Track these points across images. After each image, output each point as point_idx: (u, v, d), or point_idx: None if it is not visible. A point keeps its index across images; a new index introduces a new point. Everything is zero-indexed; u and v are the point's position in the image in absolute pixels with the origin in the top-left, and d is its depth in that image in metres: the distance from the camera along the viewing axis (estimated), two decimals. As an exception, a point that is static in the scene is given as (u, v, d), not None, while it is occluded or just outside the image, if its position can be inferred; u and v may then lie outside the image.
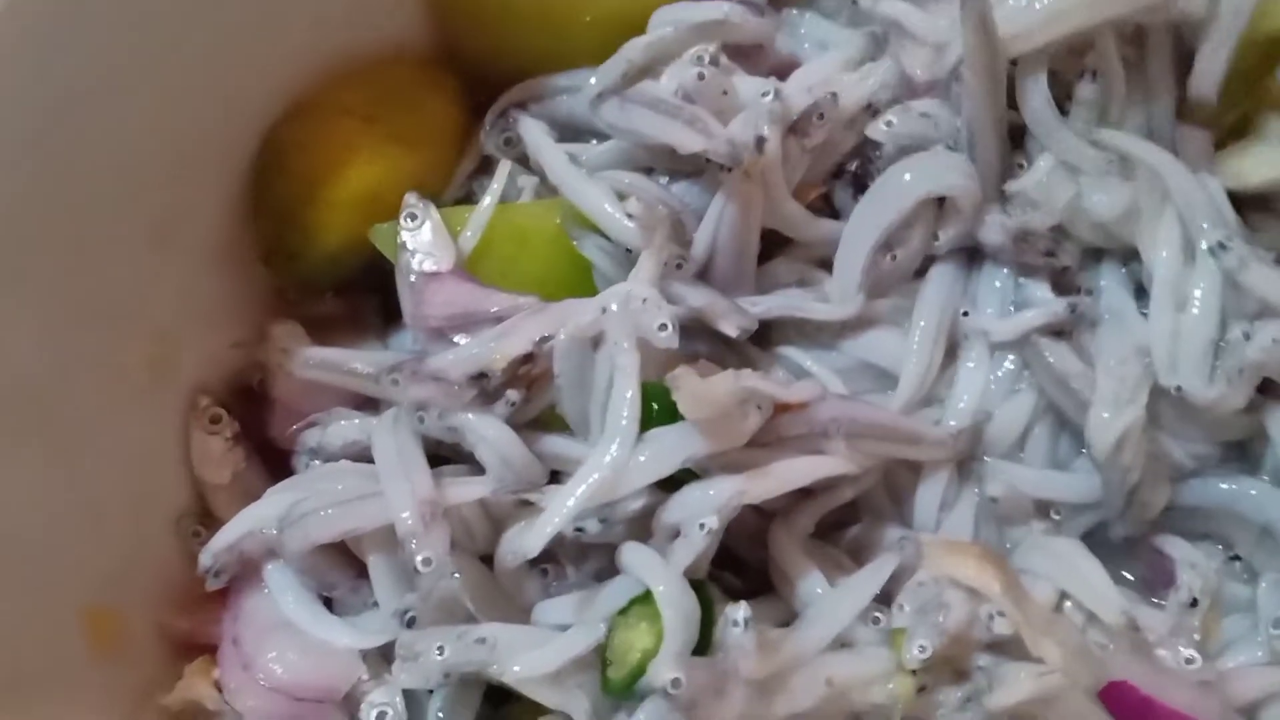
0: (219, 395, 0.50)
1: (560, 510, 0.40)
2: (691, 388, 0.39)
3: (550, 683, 0.41)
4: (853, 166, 0.49)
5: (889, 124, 0.47)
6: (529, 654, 0.41)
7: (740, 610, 0.40)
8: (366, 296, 0.52)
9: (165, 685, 0.45)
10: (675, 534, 0.42)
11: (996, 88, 0.46)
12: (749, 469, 0.42)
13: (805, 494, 0.45)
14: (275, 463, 0.50)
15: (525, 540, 0.42)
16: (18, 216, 0.41)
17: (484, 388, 0.43)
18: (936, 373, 0.47)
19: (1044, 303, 0.47)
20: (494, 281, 0.47)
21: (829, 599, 0.43)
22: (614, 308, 0.42)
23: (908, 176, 0.46)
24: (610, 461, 0.40)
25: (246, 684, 0.43)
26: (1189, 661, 0.43)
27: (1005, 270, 0.48)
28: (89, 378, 0.45)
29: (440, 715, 0.43)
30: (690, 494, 0.41)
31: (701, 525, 0.40)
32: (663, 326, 0.41)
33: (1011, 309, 0.48)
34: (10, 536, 0.42)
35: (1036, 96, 0.46)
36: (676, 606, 0.40)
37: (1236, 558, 0.47)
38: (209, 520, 0.48)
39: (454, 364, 0.43)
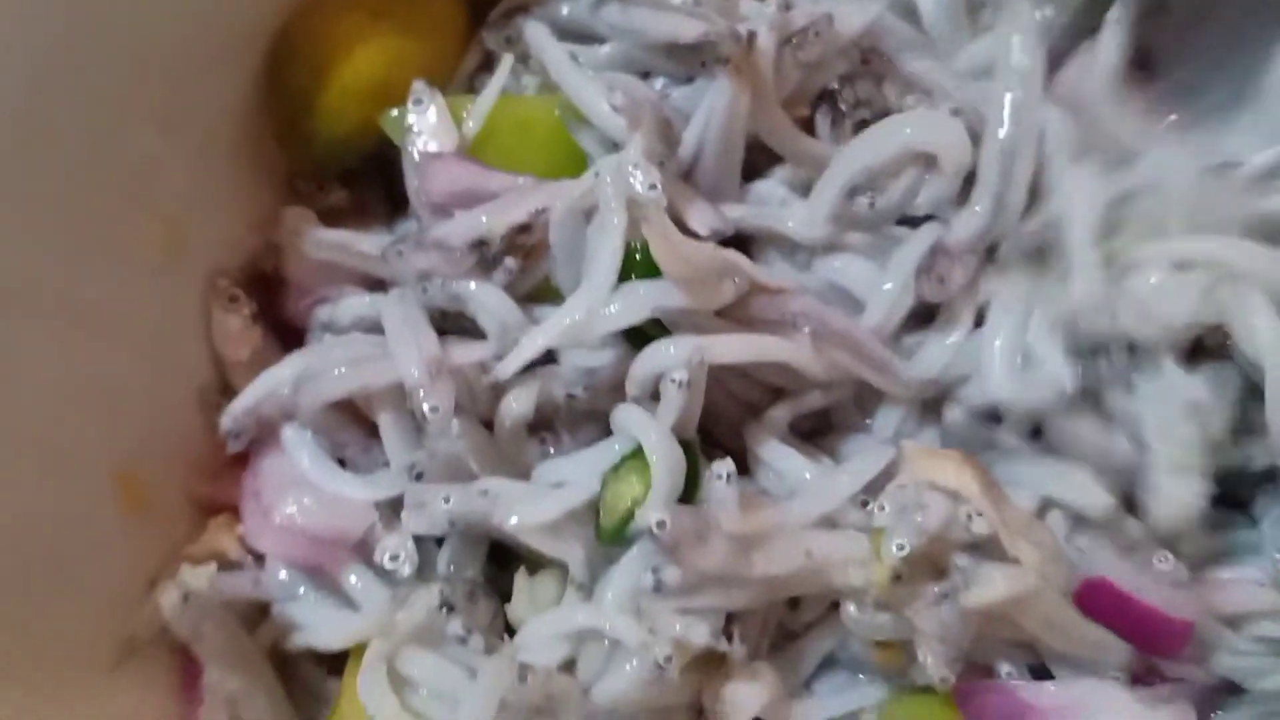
0: (236, 278, 0.52)
1: (533, 343, 0.43)
2: (666, 232, 0.42)
3: (547, 533, 0.44)
4: (836, 87, 0.49)
5: None
6: (527, 505, 0.44)
7: (725, 465, 0.43)
8: (373, 188, 0.55)
9: (192, 542, 0.49)
10: (655, 396, 0.44)
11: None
12: (715, 334, 0.44)
13: (779, 394, 0.48)
14: (291, 344, 0.52)
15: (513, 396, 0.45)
16: (32, 103, 0.43)
17: (483, 255, 0.46)
18: (904, 314, 0.47)
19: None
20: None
21: (820, 480, 0.46)
22: (605, 173, 0.45)
23: (908, 130, 0.47)
24: (585, 304, 0.43)
25: (266, 528, 0.46)
26: (1163, 561, 0.44)
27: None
28: (106, 260, 0.47)
29: (451, 566, 0.46)
30: (656, 348, 0.44)
31: (674, 380, 0.43)
32: (651, 186, 0.43)
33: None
34: (42, 411, 0.44)
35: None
36: (663, 455, 0.43)
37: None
38: (230, 394, 0.51)
39: (455, 232, 0.46)
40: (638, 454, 0.44)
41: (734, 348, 0.45)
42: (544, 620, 0.44)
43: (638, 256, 0.44)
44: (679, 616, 0.41)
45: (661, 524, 0.41)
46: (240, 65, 0.52)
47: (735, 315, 0.46)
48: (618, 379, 0.45)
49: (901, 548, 0.42)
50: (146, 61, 0.47)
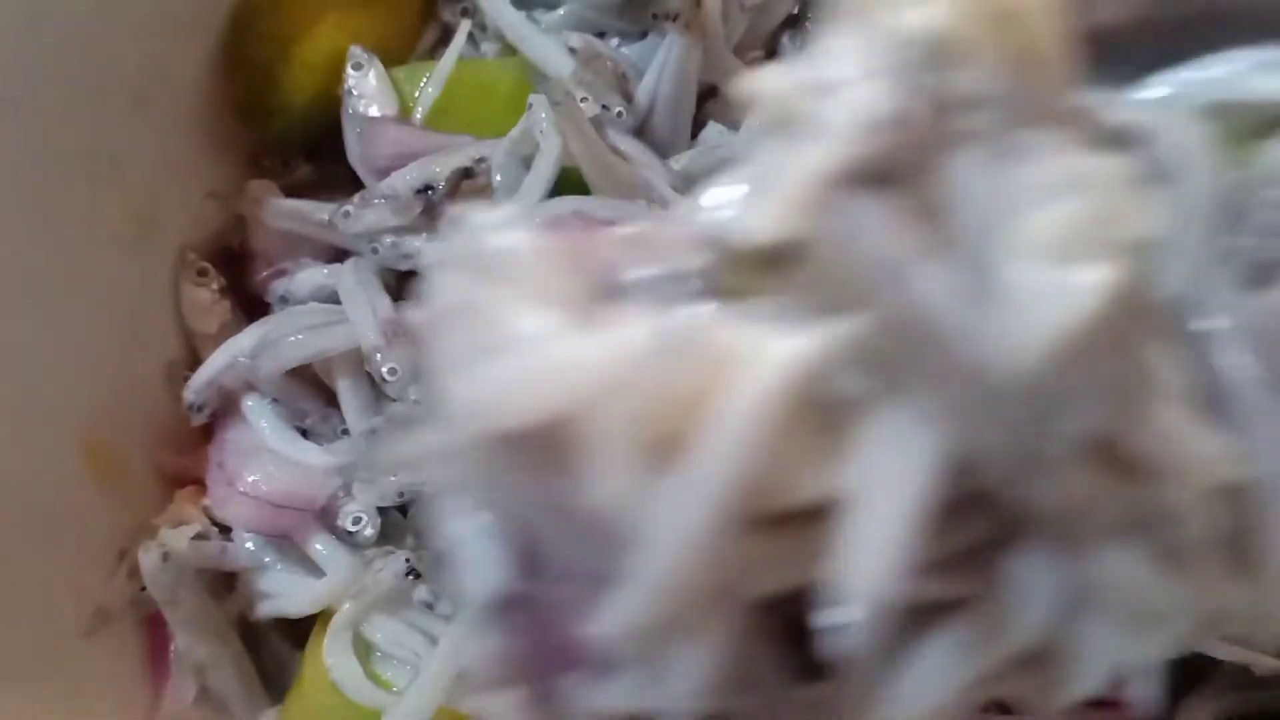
0: (204, 252, 0.53)
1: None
2: (584, 129, 0.43)
3: None
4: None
5: None
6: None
7: None
8: (338, 162, 0.55)
9: (159, 513, 0.49)
10: None
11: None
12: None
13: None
14: (258, 317, 0.52)
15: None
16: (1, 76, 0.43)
17: (429, 200, 0.46)
18: None
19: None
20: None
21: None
22: (538, 102, 0.46)
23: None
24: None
25: (231, 497, 0.46)
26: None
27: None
28: (76, 234, 0.48)
29: (418, 533, 0.46)
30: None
31: None
32: (584, 98, 0.44)
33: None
34: (11, 380, 0.45)
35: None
36: None
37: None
38: (198, 367, 0.51)
39: (399, 180, 0.46)
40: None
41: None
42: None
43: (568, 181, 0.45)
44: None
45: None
46: (205, 40, 0.52)
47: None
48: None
49: None
50: (114, 36, 0.47)
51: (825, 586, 0.21)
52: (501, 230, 0.23)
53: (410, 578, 0.44)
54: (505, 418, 0.21)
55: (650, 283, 0.23)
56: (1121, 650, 0.24)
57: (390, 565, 0.44)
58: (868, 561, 0.21)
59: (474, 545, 0.24)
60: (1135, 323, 0.22)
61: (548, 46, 0.50)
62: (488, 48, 0.54)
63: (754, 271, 0.23)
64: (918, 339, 0.21)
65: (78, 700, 0.45)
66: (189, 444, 0.50)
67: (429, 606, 0.44)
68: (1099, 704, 0.43)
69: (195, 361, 0.52)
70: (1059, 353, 0.20)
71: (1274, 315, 0.24)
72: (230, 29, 0.52)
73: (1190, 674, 0.44)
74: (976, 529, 0.23)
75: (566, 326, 0.22)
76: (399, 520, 0.47)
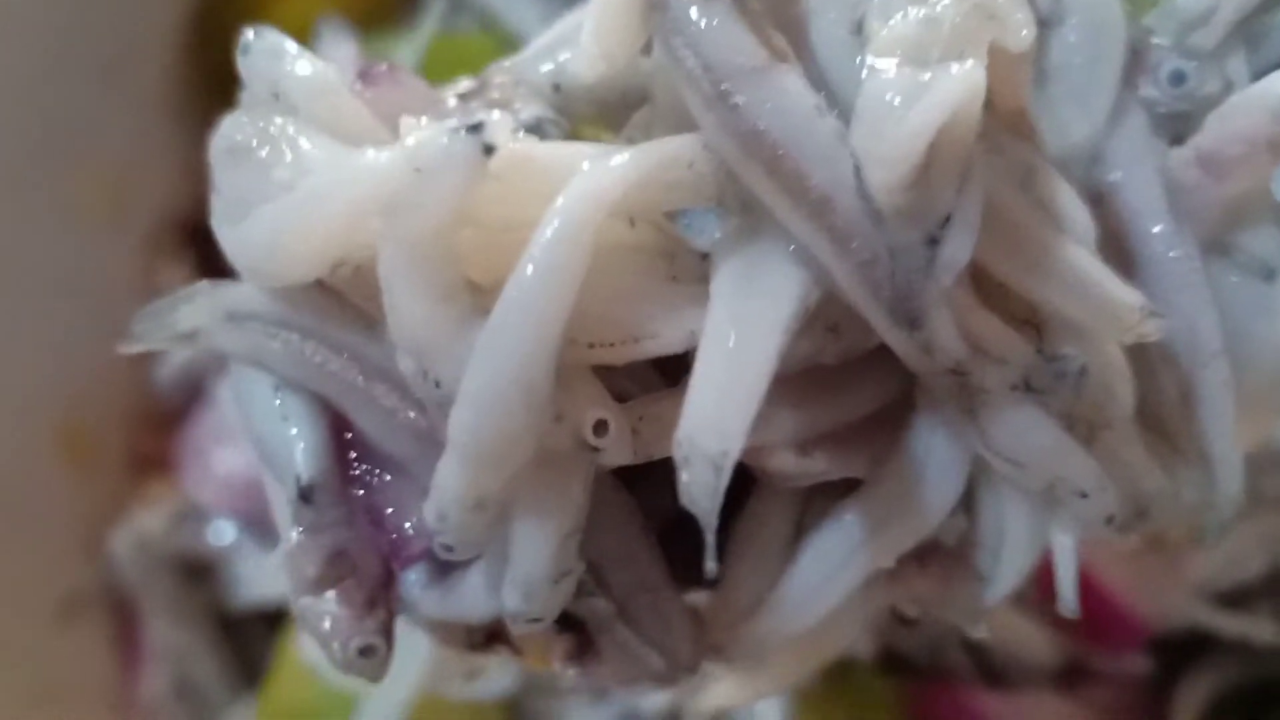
0: (177, 233, 0.52)
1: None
2: None
3: None
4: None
5: None
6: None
7: None
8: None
9: (133, 497, 0.48)
10: None
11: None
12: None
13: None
14: (234, 297, 0.52)
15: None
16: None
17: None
18: None
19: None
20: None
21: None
22: None
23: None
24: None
25: (206, 479, 0.46)
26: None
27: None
28: (49, 216, 0.47)
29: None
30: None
31: None
32: None
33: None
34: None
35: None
36: None
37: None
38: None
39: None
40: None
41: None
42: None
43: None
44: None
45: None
46: (177, 14, 0.51)
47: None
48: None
49: None
50: (84, 17, 0.47)
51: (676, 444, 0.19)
52: (297, 63, 0.22)
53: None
54: (284, 264, 0.20)
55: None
56: (1036, 534, 0.23)
57: (368, 548, 0.43)
58: (712, 412, 0.19)
59: (279, 432, 0.22)
60: (1009, 133, 0.21)
61: (528, 15, 0.48)
62: (465, 22, 0.53)
63: (594, 120, 0.22)
64: (766, 159, 0.18)
65: (48, 688, 0.44)
66: (162, 427, 0.49)
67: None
68: (1095, 679, 0.42)
69: (171, 345, 0.51)
70: (922, 154, 0.18)
71: (1184, 168, 0.22)
72: (202, 6, 0.51)
73: (1189, 648, 0.44)
74: (867, 398, 0.21)
75: (351, 150, 0.19)
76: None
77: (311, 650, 0.42)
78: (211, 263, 0.52)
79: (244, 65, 0.22)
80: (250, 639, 0.48)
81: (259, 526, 0.46)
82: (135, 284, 0.51)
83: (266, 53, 0.21)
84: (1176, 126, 0.23)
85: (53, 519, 0.46)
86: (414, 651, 0.41)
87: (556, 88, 0.22)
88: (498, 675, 0.41)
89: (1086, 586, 0.40)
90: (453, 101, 0.22)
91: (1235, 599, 0.43)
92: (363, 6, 0.53)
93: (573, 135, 0.22)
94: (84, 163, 0.48)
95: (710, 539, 0.19)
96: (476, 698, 0.41)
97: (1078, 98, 0.22)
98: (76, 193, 0.48)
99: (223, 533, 0.46)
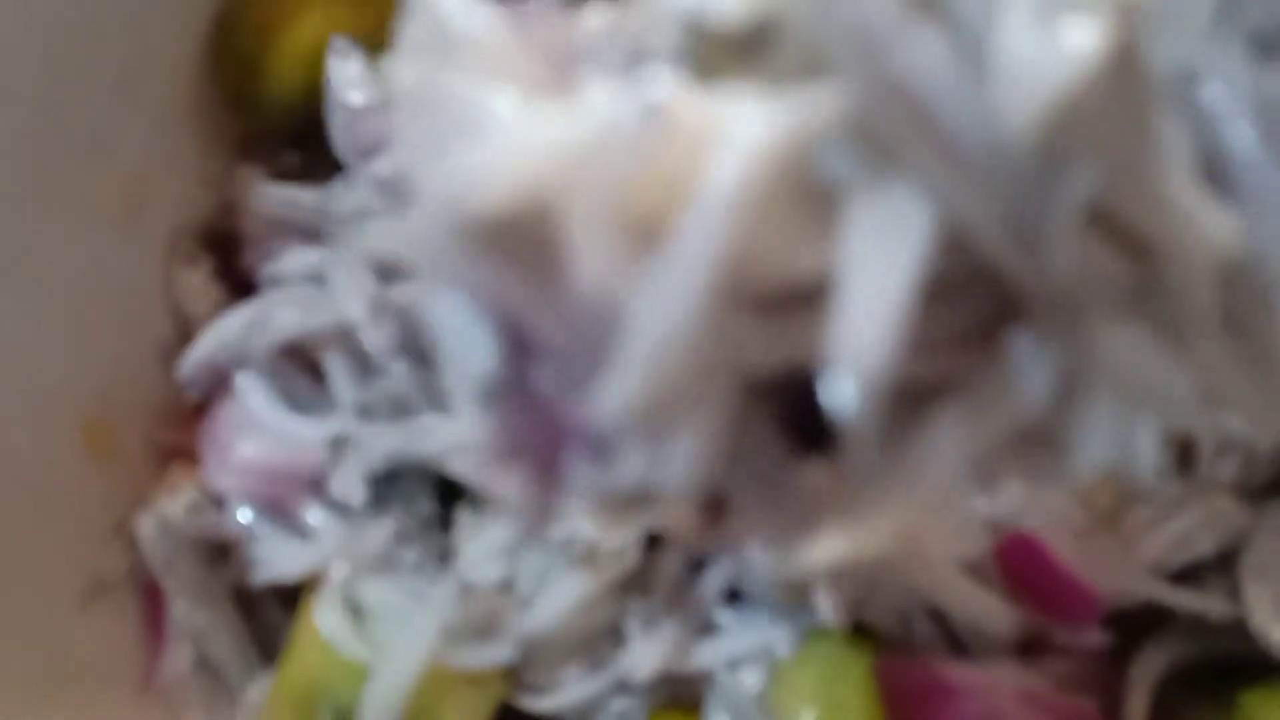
0: (195, 236, 0.55)
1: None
2: None
3: (475, 459, 0.46)
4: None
5: None
6: (452, 427, 0.47)
7: None
8: (322, 150, 0.57)
9: (154, 486, 0.51)
10: None
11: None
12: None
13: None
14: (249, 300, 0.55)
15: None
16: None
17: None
18: None
19: None
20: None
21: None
22: None
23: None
24: None
25: (225, 467, 0.49)
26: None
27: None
28: (68, 218, 0.49)
29: (404, 502, 0.48)
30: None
31: None
32: None
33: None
34: (11, 362, 0.47)
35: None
36: None
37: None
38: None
39: (382, 166, 0.48)
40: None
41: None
42: (482, 539, 0.46)
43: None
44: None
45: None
46: (193, 28, 0.54)
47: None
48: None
49: None
50: (101, 21, 0.49)
51: (822, 365, 0.21)
52: (461, 12, 0.23)
53: (398, 541, 0.46)
54: (478, 207, 0.21)
55: (619, 67, 0.23)
56: (1118, 428, 0.25)
57: (379, 530, 0.46)
58: (862, 336, 0.21)
59: (461, 333, 0.24)
60: (1133, 83, 0.22)
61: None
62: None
63: (730, 58, 0.22)
64: (905, 111, 0.20)
65: (73, 669, 0.47)
66: (183, 421, 0.52)
67: (417, 568, 0.46)
68: (1054, 651, 0.45)
69: (188, 342, 0.54)
70: (1053, 118, 0.20)
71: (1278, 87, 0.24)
72: (217, 20, 0.54)
73: (1146, 624, 0.47)
74: (975, 308, 0.23)
75: (534, 106, 0.21)
76: (387, 491, 0.49)
77: (327, 623, 0.45)
78: (226, 268, 0.55)
79: (409, 21, 0.23)
80: (267, 618, 0.51)
81: (275, 510, 0.49)
82: (154, 286, 0.54)
83: (429, 12, 0.23)
84: (1272, 43, 0.24)
85: (79, 508, 0.49)
86: (421, 623, 0.44)
87: (693, 29, 0.23)
88: (498, 645, 0.44)
89: (1043, 562, 0.43)
90: (603, 44, 0.23)
91: (1189, 575, 0.45)
92: (370, 24, 0.56)
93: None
94: (103, 168, 0.51)
95: (863, 452, 0.22)
96: (479, 666, 0.44)
97: (1175, 12, 0.24)
98: (96, 197, 0.51)
99: (241, 517, 0.49)
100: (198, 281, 0.54)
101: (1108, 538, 0.44)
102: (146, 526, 0.47)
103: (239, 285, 0.55)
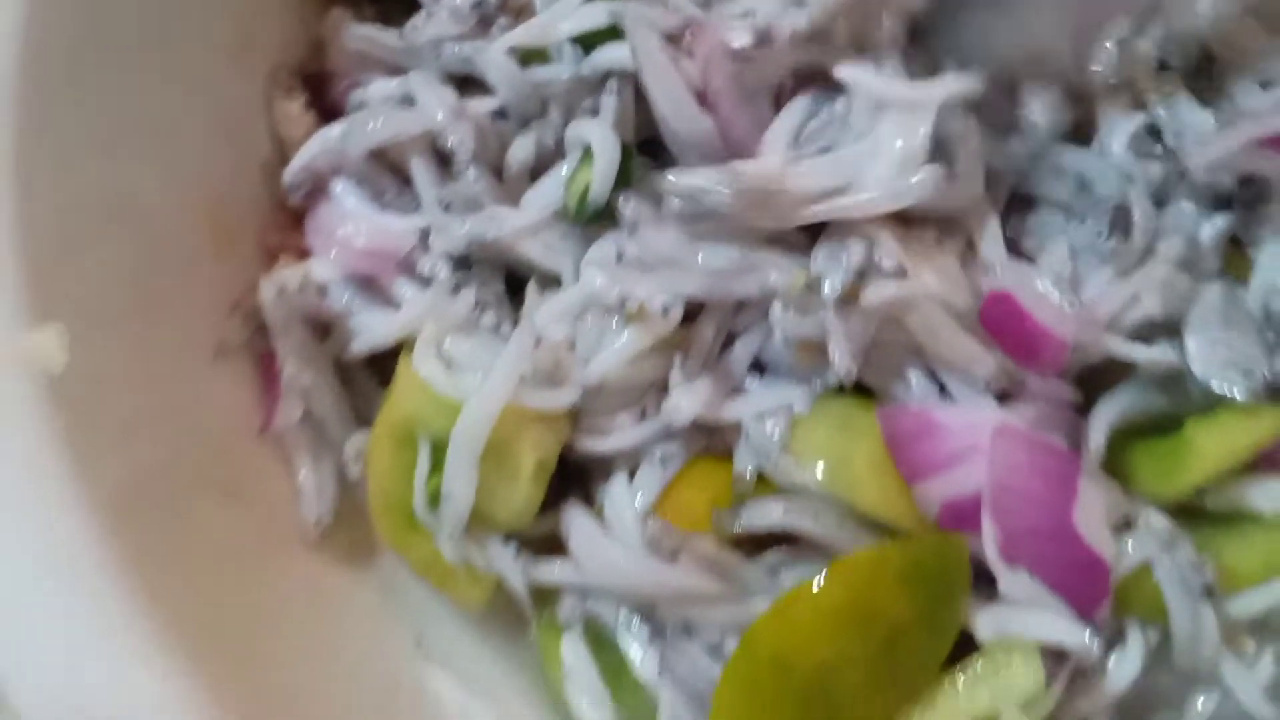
0: (292, 70, 0.63)
1: (502, 45, 0.55)
2: None
3: (538, 241, 0.55)
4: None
5: None
6: (518, 216, 0.55)
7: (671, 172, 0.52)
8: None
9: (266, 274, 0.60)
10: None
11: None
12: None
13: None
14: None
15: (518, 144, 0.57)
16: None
17: (483, 13, 0.56)
18: None
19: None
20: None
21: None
22: None
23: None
24: (550, 13, 0.55)
25: (326, 250, 0.58)
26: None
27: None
28: (186, 48, 0.58)
29: (480, 282, 0.56)
30: (602, 50, 0.54)
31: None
32: None
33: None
34: (152, 169, 0.56)
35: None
36: (599, 141, 0.53)
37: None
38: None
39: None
40: (588, 154, 0.54)
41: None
42: (549, 304, 0.54)
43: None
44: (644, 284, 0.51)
45: (627, 199, 0.52)
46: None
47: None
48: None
49: (834, 289, 0.50)
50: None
51: None
52: None
53: (478, 308, 0.55)
54: None
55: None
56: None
57: (462, 298, 0.55)
58: None
59: None
60: None
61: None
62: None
63: None
64: None
65: (202, 419, 0.56)
66: (286, 226, 0.61)
67: (495, 329, 0.55)
68: (1029, 397, 0.53)
69: (286, 165, 0.62)
70: None
71: None
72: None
73: (1106, 383, 0.54)
74: None
75: None
76: (465, 276, 0.57)
77: (424, 366, 0.54)
78: (320, 103, 0.63)
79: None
80: (361, 389, 0.60)
81: (371, 287, 0.58)
82: (259, 112, 0.62)
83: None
84: None
85: (209, 283, 0.58)
86: (502, 367, 0.52)
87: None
88: (564, 390, 0.53)
89: (1020, 315, 0.51)
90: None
91: (1142, 337, 0.53)
92: None
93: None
94: (216, 8, 0.60)
95: None
96: (548, 407, 0.53)
97: None
98: (209, 33, 0.59)
99: (340, 295, 0.57)
100: (295, 110, 0.62)
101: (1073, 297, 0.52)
102: (268, 291, 0.56)
103: (329, 117, 0.63)
